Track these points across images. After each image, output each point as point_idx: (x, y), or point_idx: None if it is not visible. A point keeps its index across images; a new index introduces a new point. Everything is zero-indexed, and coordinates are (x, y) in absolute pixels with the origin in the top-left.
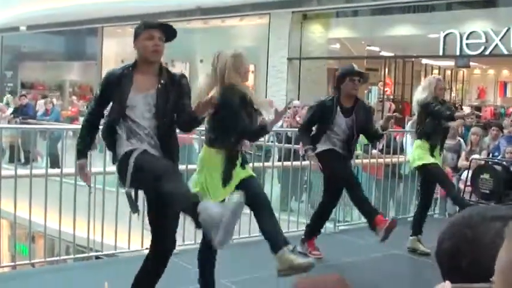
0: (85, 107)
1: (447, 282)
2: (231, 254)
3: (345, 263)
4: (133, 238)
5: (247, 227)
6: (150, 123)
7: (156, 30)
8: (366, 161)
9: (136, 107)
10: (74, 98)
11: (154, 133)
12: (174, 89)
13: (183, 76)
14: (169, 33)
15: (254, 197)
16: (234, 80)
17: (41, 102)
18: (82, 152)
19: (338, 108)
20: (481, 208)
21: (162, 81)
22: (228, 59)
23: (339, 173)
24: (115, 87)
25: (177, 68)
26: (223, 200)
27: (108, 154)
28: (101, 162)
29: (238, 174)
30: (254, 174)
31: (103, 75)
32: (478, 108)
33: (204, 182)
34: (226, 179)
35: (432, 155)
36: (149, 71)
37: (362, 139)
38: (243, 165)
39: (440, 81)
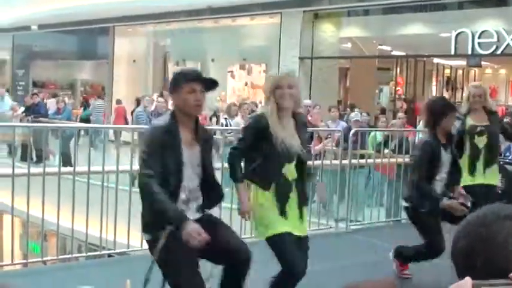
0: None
1: (467, 278)
2: None
3: (357, 262)
4: None
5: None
6: (196, 182)
7: (198, 83)
8: (378, 160)
9: (186, 164)
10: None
11: (199, 193)
12: (208, 144)
13: (212, 133)
14: (209, 85)
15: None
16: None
17: (50, 101)
18: (179, 214)
19: (441, 146)
20: (494, 207)
21: (202, 135)
22: (267, 84)
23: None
24: (164, 143)
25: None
26: (289, 234)
27: (122, 152)
28: (114, 160)
29: (298, 224)
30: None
31: (148, 134)
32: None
33: (260, 218)
34: (282, 209)
35: (472, 173)
36: (189, 124)
37: (372, 138)
38: (301, 211)
39: (476, 88)
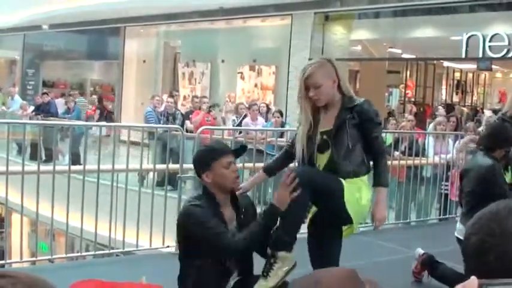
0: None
1: (473, 277)
2: None
3: (365, 264)
4: (155, 236)
5: None
6: (233, 263)
7: (231, 155)
8: (388, 162)
9: None
10: (95, 97)
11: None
12: (251, 218)
13: (250, 200)
14: (238, 153)
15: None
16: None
17: (58, 100)
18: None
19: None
20: (507, 202)
21: (242, 210)
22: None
23: None
24: (207, 223)
25: (198, 68)
26: None
27: (131, 152)
28: (123, 159)
29: None
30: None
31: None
32: (499, 112)
33: None
34: None
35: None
36: (226, 199)
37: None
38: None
39: None
